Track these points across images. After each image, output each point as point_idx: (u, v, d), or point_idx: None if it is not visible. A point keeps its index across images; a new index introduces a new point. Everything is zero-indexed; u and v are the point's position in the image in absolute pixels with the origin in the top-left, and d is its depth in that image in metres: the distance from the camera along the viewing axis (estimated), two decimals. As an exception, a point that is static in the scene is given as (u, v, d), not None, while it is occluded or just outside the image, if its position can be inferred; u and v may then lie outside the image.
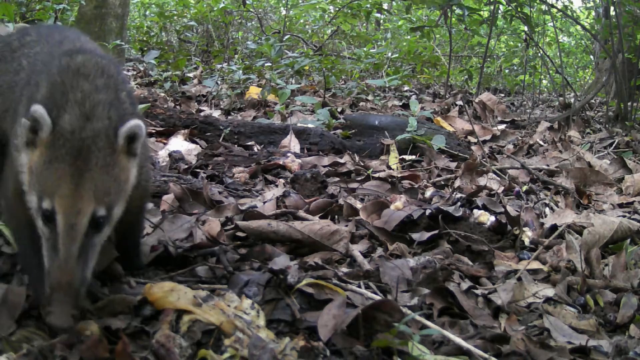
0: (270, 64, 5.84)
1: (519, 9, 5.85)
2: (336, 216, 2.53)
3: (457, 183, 3.25)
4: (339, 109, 5.29)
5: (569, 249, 2.19)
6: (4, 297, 1.48)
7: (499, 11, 6.12)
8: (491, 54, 8.51)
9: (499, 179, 3.40)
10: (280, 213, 2.39)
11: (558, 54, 7.19)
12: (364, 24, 9.68)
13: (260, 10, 9.31)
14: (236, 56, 7.73)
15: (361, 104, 6.04)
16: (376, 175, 3.21)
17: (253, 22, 9.48)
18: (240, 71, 5.82)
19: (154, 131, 3.70)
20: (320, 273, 1.82)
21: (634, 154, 4.57)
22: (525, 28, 6.65)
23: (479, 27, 6.47)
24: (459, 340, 1.49)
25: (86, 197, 1.31)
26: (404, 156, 3.85)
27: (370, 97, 6.24)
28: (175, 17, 8.87)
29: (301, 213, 2.42)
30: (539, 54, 7.11)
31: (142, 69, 6.83)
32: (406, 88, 7.61)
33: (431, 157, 3.84)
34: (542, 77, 8.90)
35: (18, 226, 1.60)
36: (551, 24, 7.43)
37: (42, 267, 1.35)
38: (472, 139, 4.64)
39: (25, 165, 1.37)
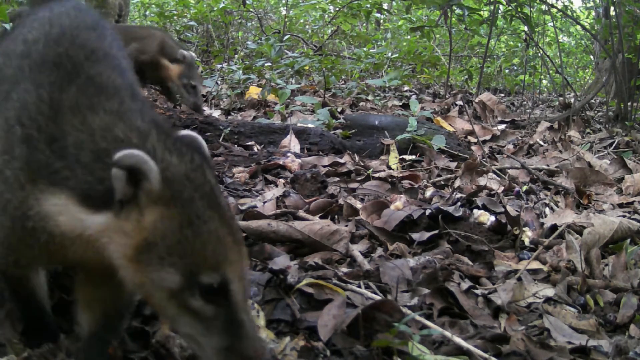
0: (270, 64, 5.83)
1: (519, 9, 5.84)
2: (336, 216, 2.53)
3: (457, 183, 3.25)
4: (339, 109, 5.28)
5: (569, 249, 2.19)
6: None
7: (499, 11, 6.12)
8: (491, 54, 8.50)
9: (499, 179, 3.40)
10: (280, 213, 2.39)
11: (558, 54, 7.19)
12: (364, 24, 9.67)
13: (260, 10, 9.31)
14: (236, 56, 7.73)
15: (361, 104, 6.04)
16: (376, 175, 3.20)
17: (253, 22, 9.47)
18: (240, 71, 5.82)
19: (154, 131, 3.69)
20: (320, 273, 1.82)
21: (634, 154, 4.57)
22: (525, 28, 6.65)
23: (479, 27, 6.47)
24: (459, 340, 1.49)
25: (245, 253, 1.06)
26: (404, 156, 3.85)
27: (370, 97, 6.24)
28: (175, 17, 8.87)
29: (301, 213, 2.42)
30: (539, 54, 7.10)
31: (142, 69, 6.82)
32: (406, 88, 7.60)
33: (431, 157, 3.83)
34: (542, 77, 8.89)
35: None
36: (551, 24, 7.43)
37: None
38: (472, 139, 4.63)
39: (115, 232, 1.05)
